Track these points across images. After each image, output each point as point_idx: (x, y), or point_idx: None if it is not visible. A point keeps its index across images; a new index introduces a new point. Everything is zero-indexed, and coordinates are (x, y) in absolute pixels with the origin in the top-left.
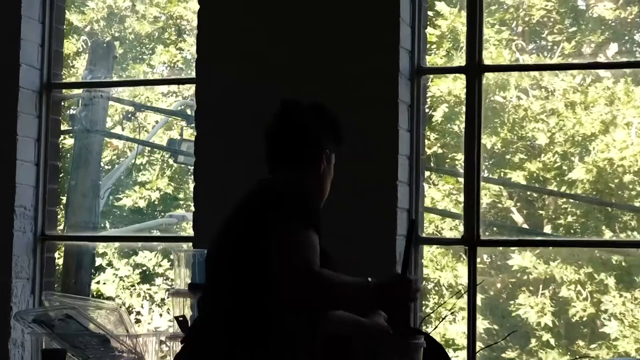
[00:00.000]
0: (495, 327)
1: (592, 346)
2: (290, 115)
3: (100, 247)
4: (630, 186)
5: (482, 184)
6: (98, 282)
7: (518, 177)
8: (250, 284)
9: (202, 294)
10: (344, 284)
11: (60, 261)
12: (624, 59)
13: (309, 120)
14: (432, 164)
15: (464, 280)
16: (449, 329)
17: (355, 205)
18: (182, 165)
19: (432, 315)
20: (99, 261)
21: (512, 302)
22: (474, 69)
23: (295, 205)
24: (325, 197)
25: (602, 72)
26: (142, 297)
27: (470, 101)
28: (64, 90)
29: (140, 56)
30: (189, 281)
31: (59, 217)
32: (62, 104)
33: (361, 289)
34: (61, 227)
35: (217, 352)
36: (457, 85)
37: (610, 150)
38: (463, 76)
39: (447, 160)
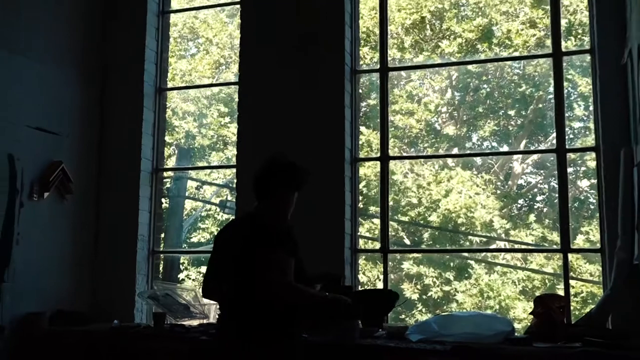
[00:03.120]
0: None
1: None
2: (269, 166)
3: (182, 260)
4: (462, 225)
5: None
6: (181, 281)
7: (405, 219)
8: (245, 285)
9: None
10: (307, 294)
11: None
12: (461, 160)
13: (279, 170)
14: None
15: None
16: None
17: (320, 232)
18: (227, 215)
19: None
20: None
21: (401, 287)
22: (385, 158)
23: (268, 234)
24: (288, 218)
25: (450, 163)
26: None
27: (383, 175)
28: (164, 173)
29: (203, 157)
30: None
31: (161, 240)
32: (163, 180)
33: (318, 299)
34: (162, 246)
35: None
36: (369, 170)
37: (450, 207)
38: (376, 165)
39: (368, 210)
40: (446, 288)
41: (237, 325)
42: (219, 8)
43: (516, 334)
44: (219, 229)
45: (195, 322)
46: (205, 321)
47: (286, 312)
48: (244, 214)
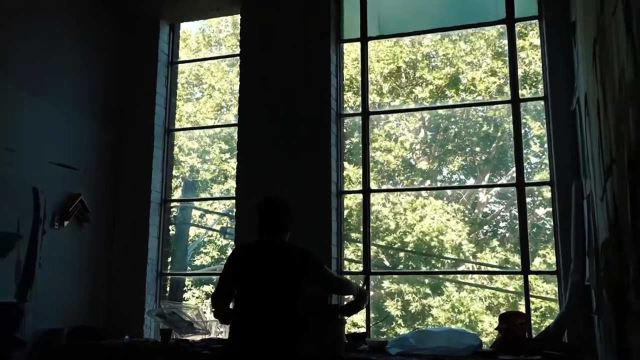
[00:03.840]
0: (377, 315)
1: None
2: (273, 205)
3: (186, 281)
4: (434, 247)
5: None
6: (186, 300)
7: (383, 244)
8: (294, 294)
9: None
10: (352, 284)
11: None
12: (434, 191)
13: (281, 208)
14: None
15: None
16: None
17: None
18: (227, 241)
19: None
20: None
21: (383, 304)
22: (367, 191)
23: (318, 257)
24: None
25: (424, 193)
26: (206, 307)
27: (365, 206)
28: (172, 204)
29: (205, 189)
30: None
31: (168, 263)
32: (171, 210)
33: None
34: (169, 268)
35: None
36: (351, 201)
37: (424, 229)
38: (357, 196)
39: (350, 235)
40: (424, 301)
41: (256, 335)
42: (220, 59)
43: (483, 347)
44: (219, 253)
45: (198, 338)
46: (207, 336)
47: (297, 324)
48: (275, 243)
